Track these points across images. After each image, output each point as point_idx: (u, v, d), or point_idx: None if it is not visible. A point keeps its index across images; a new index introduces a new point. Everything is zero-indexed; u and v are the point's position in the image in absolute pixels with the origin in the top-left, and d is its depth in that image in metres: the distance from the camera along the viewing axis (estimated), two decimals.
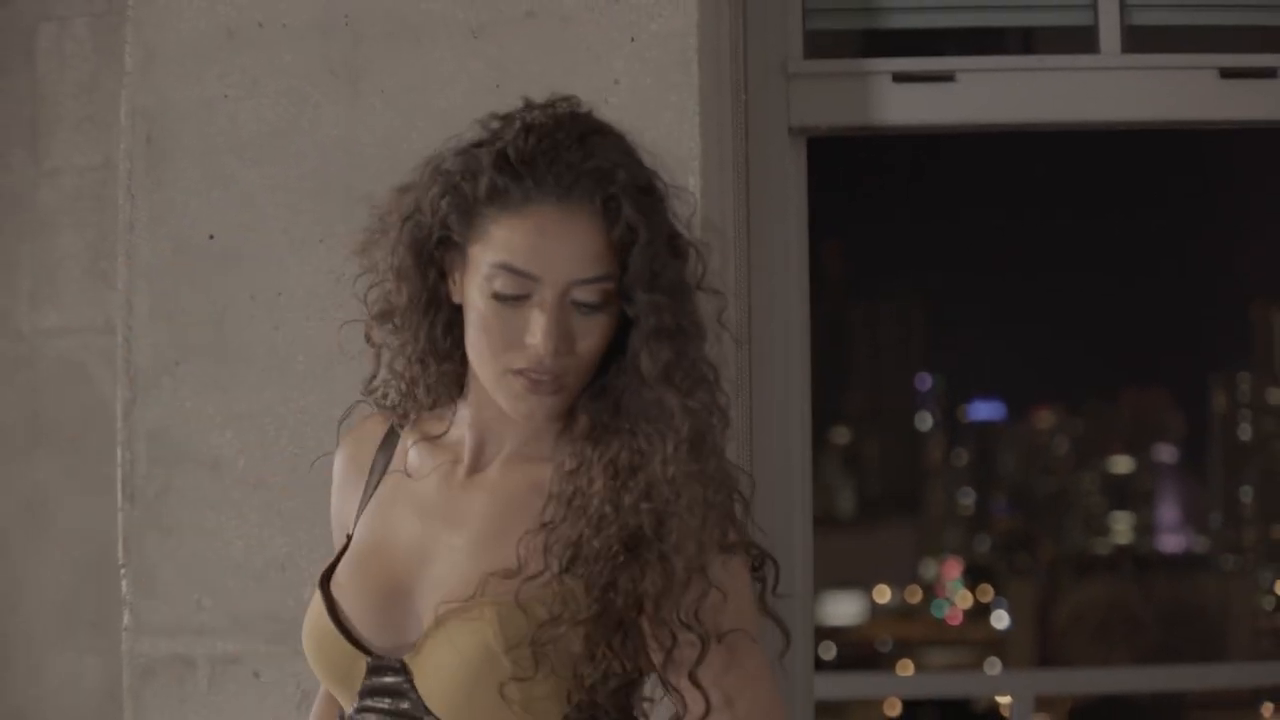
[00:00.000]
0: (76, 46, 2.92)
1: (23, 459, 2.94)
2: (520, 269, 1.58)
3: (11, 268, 2.94)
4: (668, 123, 2.27)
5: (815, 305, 2.71)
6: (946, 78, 2.69)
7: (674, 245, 1.63)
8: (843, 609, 74.83)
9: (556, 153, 1.58)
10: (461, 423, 1.72)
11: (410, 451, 1.74)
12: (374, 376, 1.77)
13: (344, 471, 1.81)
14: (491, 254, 1.59)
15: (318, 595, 1.70)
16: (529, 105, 1.63)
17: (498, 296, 1.59)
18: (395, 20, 2.32)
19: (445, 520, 1.69)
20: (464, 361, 1.68)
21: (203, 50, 2.35)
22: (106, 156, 2.83)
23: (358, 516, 1.76)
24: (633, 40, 2.29)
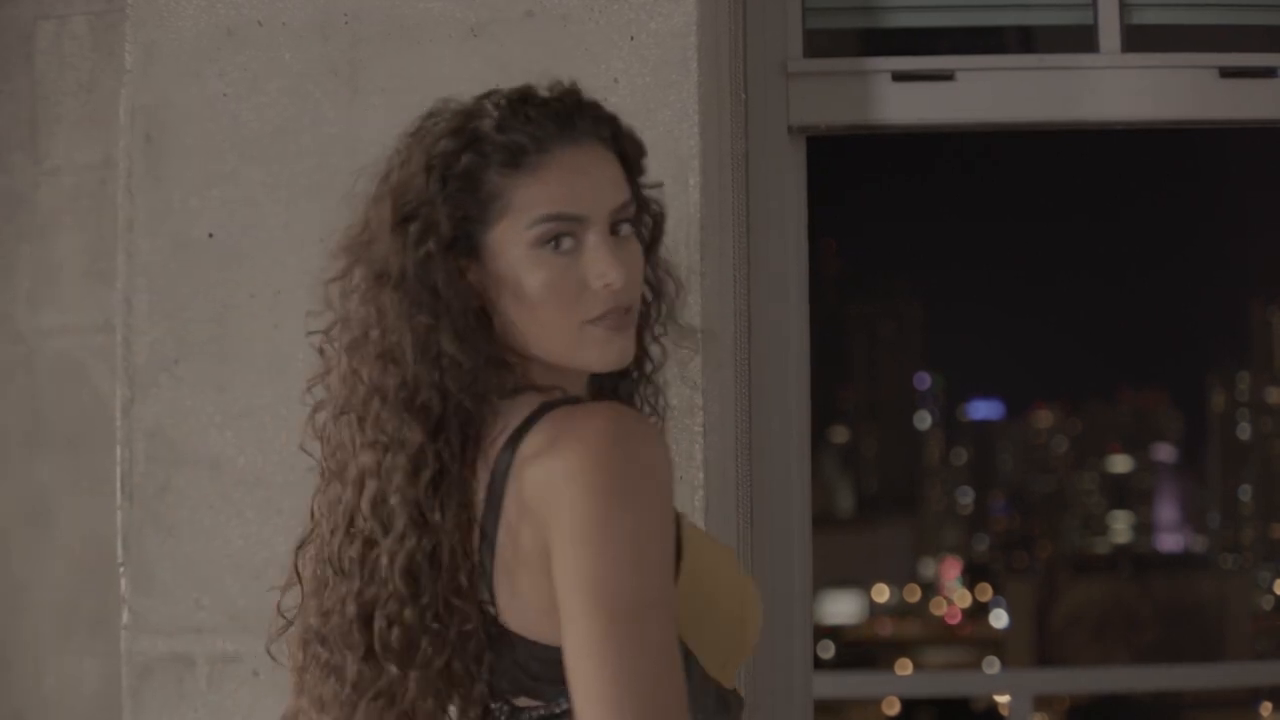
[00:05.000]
0: (75, 45, 2.91)
1: (23, 459, 2.93)
2: (567, 214, 1.56)
3: (11, 268, 2.94)
4: (667, 121, 2.27)
5: (815, 305, 2.71)
6: (946, 77, 2.69)
7: None
8: (842, 608, 74.85)
9: (544, 104, 1.60)
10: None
11: None
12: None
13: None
14: (526, 216, 1.56)
15: (752, 583, 1.67)
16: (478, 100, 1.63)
17: (554, 248, 1.56)
18: (395, 20, 2.31)
19: None
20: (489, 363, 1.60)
21: (202, 49, 2.35)
22: (106, 155, 2.83)
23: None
24: (632, 39, 2.29)
